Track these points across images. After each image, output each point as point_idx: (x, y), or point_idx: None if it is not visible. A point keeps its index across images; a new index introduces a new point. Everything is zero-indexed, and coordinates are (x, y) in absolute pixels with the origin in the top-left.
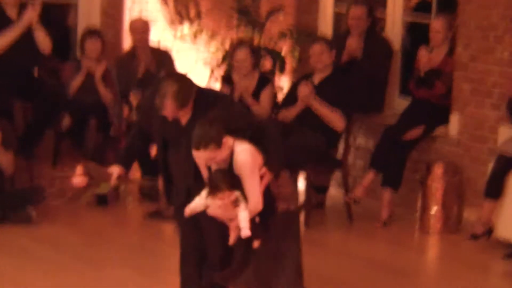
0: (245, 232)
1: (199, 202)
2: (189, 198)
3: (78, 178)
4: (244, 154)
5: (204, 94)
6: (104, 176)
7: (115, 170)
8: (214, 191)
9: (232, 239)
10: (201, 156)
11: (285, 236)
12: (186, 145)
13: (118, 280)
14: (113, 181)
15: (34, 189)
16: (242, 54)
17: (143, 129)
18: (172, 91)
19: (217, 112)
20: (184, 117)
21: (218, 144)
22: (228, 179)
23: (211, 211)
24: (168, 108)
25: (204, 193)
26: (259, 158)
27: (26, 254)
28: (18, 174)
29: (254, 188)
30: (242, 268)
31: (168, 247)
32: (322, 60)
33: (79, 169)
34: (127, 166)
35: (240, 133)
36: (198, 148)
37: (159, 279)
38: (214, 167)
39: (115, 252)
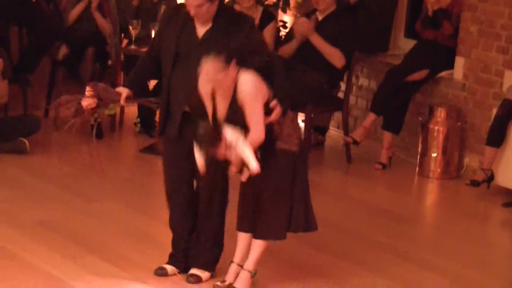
0: (254, 168)
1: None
2: (182, 128)
3: (88, 100)
4: (248, 83)
5: (226, 11)
6: (112, 98)
7: (124, 91)
8: (203, 148)
9: (244, 178)
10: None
11: (286, 177)
12: (198, 59)
13: (107, 213)
14: (122, 101)
15: (28, 119)
16: None
17: (154, 50)
18: None
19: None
20: (202, 28)
21: None
22: (211, 133)
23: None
24: (202, 11)
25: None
26: (263, 89)
27: (16, 184)
28: (12, 102)
29: (256, 117)
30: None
31: (160, 182)
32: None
33: (88, 90)
34: (135, 88)
35: (248, 64)
36: None
37: (149, 214)
38: (219, 97)
39: (106, 185)
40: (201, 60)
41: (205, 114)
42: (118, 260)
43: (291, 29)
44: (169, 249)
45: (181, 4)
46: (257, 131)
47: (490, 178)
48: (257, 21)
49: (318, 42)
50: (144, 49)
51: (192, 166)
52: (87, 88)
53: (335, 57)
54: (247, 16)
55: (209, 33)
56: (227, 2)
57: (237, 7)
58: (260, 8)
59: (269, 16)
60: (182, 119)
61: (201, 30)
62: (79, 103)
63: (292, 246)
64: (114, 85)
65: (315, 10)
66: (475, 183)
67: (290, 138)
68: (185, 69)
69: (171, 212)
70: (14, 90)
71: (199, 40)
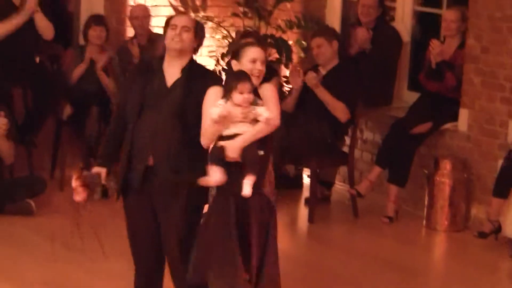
0: (271, 117)
1: (217, 110)
2: (145, 180)
3: (80, 193)
4: (269, 85)
5: (199, 66)
6: (95, 181)
7: (102, 171)
8: (238, 81)
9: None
10: None
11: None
12: (168, 106)
13: (113, 272)
14: (103, 181)
15: (34, 180)
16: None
17: (121, 108)
18: (194, 20)
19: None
20: (172, 78)
21: None
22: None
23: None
24: (185, 36)
25: (221, 101)
26: None
27: (23, 244)
28: (17, 163)
29: (276, 105)
30: None
31: None
32: (322, 54)
33: (75, 182)
34: (111, 161)
35: None
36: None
37: None
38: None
39: (112, 244)
40: (172, 105)
41: (171, 164)
42: None
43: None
44: None
45: (153, 58)
46: (275, 114)
47: (498, 229)
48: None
49: (324, 95)
50: None
51: (156, 222)
52: (73, 180)
53: (339, 111)
54: (217, 75)
55: (178, 82)
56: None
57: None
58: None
59: (271, 71)
60: (145, 171)
61: (170, 80)
62: (73, 203)
63: None
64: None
65: (317, 66)
66: (482, 235)
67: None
68: (152, 118)
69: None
70: (20, 151)
71: (169, 87)
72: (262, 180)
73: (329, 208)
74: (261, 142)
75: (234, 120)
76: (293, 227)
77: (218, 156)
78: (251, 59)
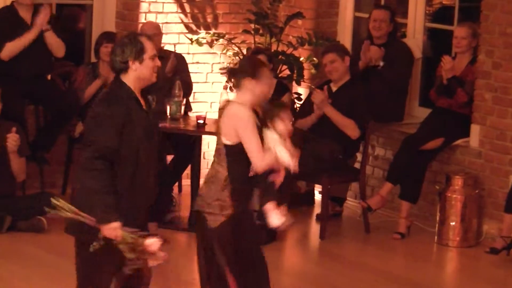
0: (291, 164)
1: (272, 140)
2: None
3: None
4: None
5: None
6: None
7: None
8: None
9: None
10: None
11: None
12: (157, 134)
13: None
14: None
15: (45, 197)
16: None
17: (113, 154)
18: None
19: None
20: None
21: None
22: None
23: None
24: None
25: (272, 133)
26: None
27: (33, 262)
28: (29, 179)
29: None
30: None
31: (181, 257)
32: (335, 69)
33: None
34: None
35: None
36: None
37: None
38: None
39: None
40: (157, 137)
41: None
42: None
43: (305, 101)
44: None
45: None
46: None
47: (510, 245)
48: (271, 93)
49: (332, 114)
50: (160, 124)
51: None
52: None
53: (349, 128)
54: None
55: (148, 109)
56: None
57: None
58: (274, 80)
59: (283, 88)
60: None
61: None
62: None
63: None
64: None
65: (329, 81)
66: (494, 251)
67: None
68: (150, 140)
69: None
70: (31, 168)
71: (147, 111)
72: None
73: (341, 224)
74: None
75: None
76: (304, 243)
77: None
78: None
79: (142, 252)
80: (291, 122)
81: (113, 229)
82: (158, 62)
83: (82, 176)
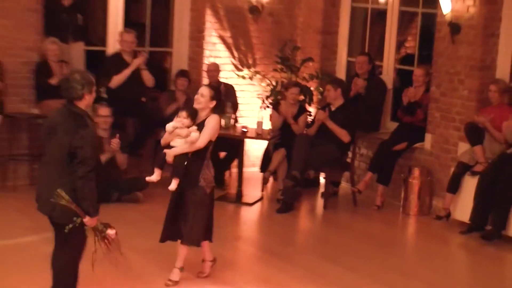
0: (194, 141)
1: (169, 125)
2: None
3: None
4: (215, 118)
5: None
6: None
7: (98, 219)
8: (185, 113)
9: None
10: None
11: (199, 204)
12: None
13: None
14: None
15: (141, 179)
16: (295, 90)
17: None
18: None
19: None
20: None
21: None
22: (194, 116)
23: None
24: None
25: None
26: (218, 130)
27: (133, 224)
28: (129, 168)
29: (205, 136)
30: None
31: (229, 220)
32: (329, 96)
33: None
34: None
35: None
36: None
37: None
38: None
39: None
40: None
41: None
42: None
43: (315, 117)
44: None
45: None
46: (201, 141)
47: (449, 214)
48: (295, 112)
49: (331, 125)
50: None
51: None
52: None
53: (343, 135)
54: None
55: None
56: (273, 100)
57: (283, 103)
58: (298, 104)
59: (303, 109)
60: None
61: None
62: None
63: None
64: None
65: (329, 105)
66: (439, 218)
67: (209, 183)
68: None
69: None
70: (131, 160)
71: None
72: (198, 177)
73: (337, 199)
74: (196, 154)
75: (177, 135)
76: (312, 212)
77: (161, 159)
78: None
79: (103, 237)
80: (185, 118)
81: (95, 220)
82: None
83: (82, 183)
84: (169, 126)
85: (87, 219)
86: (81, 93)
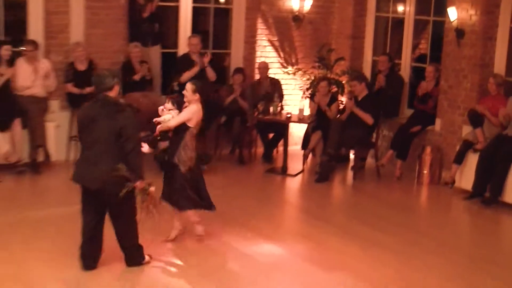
0: (165, 122)
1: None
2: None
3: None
4: (191, 108)
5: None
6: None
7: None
8: (169, 101)
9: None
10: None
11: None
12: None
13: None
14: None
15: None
16: (324, 84)
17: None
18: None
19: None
20: None
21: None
22: (176, 104)
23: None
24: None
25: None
26: (198, 118)
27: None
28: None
29: (176, 120)
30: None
31: (277, 190)
32: (355, 89)
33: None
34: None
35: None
36: None
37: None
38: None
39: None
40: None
41: None
42: None
43: (344, 106)
44: None
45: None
46: (175, 121)
47: (453, 182)
48: (327, 101)
49: (358, 112)
50: (265, 117)
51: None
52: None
53: (367, 119)
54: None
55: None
56: (311, 92)
57: (317, 94)
58: (329, 94)
59: (334, 98)
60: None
61: None
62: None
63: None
64: (251, 136)
65: (356, 95)
66: (446, 183)
67: (183, 163)
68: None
69: None
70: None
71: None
72: (173, 156)
73: (364, 172)
74: (175, 135)
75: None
76: (344, 182)
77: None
78: None
79: (147, 194)
80: (168, 103)
81: (143, 183)
82: None
83: (132, 156)
84: (160, 110)
85: (138, 183)
86: (113, 84)
